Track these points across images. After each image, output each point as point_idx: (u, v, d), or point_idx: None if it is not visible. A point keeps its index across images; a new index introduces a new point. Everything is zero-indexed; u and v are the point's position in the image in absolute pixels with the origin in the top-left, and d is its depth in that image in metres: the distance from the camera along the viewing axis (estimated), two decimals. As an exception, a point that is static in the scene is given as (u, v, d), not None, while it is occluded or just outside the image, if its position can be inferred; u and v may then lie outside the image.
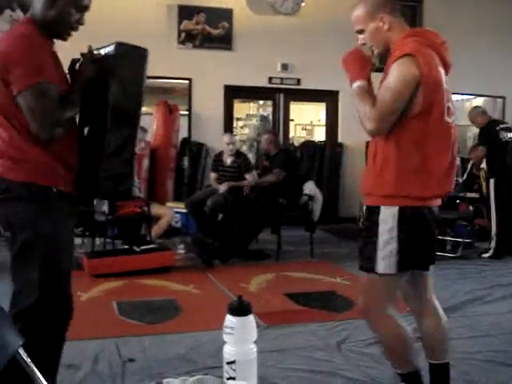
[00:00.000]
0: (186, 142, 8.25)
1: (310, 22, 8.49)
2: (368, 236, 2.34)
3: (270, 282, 5.14)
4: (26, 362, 1.64)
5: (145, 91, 2.51)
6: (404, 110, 2.21)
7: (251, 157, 8.53)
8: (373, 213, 2.32)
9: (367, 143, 9.28)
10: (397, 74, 2.20)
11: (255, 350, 1.82)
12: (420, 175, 2.24)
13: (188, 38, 8.20)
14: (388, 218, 2.27)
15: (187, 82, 8.26)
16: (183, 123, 8.22)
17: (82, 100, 2.34)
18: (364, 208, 2.44)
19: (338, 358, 3.31)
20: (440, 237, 6.63)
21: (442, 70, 2.29)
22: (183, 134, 8.25)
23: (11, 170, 2.23)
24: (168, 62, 7.88)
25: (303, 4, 8.48)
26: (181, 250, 6.22)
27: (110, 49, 2.43)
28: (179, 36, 8.18)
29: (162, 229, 6.11)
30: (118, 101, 2.38)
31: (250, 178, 6.49)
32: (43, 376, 1.61)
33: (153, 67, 7.51)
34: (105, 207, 5.48)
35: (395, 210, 2.26)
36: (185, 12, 8.16)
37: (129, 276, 5.05)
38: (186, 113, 8.35)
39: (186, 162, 8.10)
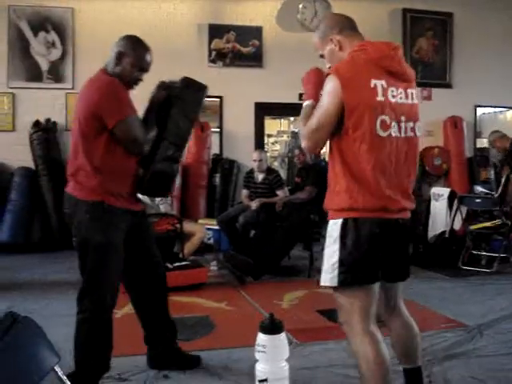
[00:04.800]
0: (218, 158, 8.31)
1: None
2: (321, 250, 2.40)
3: (303, 298, 5.13)
4: (61, 379, 1.67)
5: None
6: (336, 128, 2.27)
7: (282, 173, 8.54)
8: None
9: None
10: (323, 92, 2.30)
11: (287, 367, 1.82)
12: (354, 189, 2.25)
13: (218, 57, 8.29)
14: (332, 230, 2.30)
15: (218, 99, 8.33)
16: (215, 140, 8.29)
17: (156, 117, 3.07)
18: None
19: (371, 376, 3.29)
20: (475, 252, 6.55)
21: (379, 83, 2.26)
22: (215, 150, 8.32)
23: (79, 191, 2.91)
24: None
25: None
26: (213, 266, 6.24)
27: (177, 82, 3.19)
28: (210, 55, 8.27)
29: (195, 246, 6.14)
30: (176, 116, 3.06)
31: (282, 194, 6.49)
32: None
33: (184, 86, 7.48)
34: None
35: (339, 222, 2.28)
36: (215, 31, 8.26)
37: (162, 293, 5.08)
38: (218, 130, 8.43)
39: (217, 178, 8.15)
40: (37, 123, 7.54)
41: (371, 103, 2.22)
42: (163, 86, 3.12)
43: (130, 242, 3.02)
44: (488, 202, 6.94)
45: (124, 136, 2.86)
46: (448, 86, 9.15)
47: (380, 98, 2.24)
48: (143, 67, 2.99)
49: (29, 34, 7.80)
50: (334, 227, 2.30)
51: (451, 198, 6.90)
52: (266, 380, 1.43)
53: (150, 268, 3.22)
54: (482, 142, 9.85)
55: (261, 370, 1.47)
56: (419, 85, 8.89)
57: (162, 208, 5.88)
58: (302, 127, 2.34)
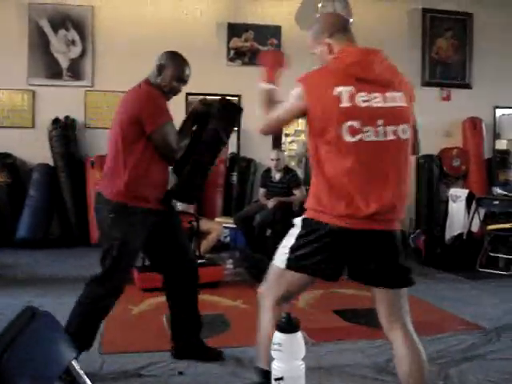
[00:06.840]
0: (235, 157, 8.32)
1: (358, 38, 8.46)
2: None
3: (319, 298, 5.12)
4: (78, 373, 1.68)
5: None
6: (310, 132, 2.43)
7: (300, 172, 8.52)
8: None
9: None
10: (290, 95, 2.46)
11: (303, 366, 1.82)
12: (321, 193, 2.35)
13: (237, 55, 8.30)
14: (297, 223, 2.46)
15: (236, 98, 8.34)
16: (232, 139, 8.29)
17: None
18: None
19: (386, 377, 3.27)
20: (492, 254, 6.50)
21: (346, 89, 2.30)
22: (232, 149, 8.33)
23: (107, 190, 3.17)
24: (217, 78, 7.99)
25: (351, 20, 8.47)
26: (229, 265, 6.25)
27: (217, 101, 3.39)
28: (228, 53, 8.29)
29: (211, 244, 6.15)
30: (208, 135, 3.28)
31: (299, 193, 6.49)
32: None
33: (203, 84, 7.64)
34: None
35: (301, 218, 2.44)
36: (234, 29, 8.27)
37: (178, 290, 5.10)
38: (235, 129, 8.43)
39: (234, 177, 8.17)
40: (56, 120, 7.59)
41: (333, 110, 2.28)
42: (204, 102, 3.39)
43: (161, 239, 3.31)
44: (506, 203, 6.89)
45: (160, 141, 3.11)
46: (467, 86, 9.09)
47: (345, 104, 2.27)
48: (181, 78, 3.28)
49: (49, 31, 7.86)
50: (298, 220, 2.45)
51: (469, 199, 6.86)
52: (281, 378, 1.44)
53: (184, 263, 3.42)
54: (502, 144, 9.78)
55: (277, 368, 1.47)
56: (438, 85, 8.92)
57: (179, 206, 5.89)
58: (264, 111, 2.52)
